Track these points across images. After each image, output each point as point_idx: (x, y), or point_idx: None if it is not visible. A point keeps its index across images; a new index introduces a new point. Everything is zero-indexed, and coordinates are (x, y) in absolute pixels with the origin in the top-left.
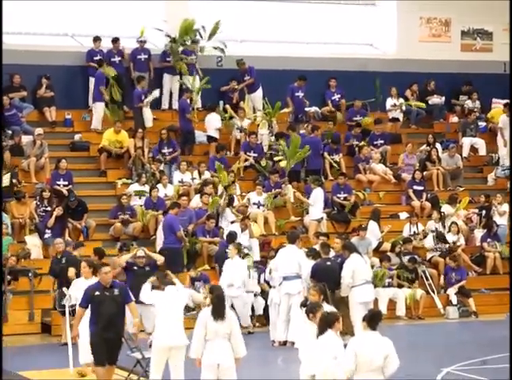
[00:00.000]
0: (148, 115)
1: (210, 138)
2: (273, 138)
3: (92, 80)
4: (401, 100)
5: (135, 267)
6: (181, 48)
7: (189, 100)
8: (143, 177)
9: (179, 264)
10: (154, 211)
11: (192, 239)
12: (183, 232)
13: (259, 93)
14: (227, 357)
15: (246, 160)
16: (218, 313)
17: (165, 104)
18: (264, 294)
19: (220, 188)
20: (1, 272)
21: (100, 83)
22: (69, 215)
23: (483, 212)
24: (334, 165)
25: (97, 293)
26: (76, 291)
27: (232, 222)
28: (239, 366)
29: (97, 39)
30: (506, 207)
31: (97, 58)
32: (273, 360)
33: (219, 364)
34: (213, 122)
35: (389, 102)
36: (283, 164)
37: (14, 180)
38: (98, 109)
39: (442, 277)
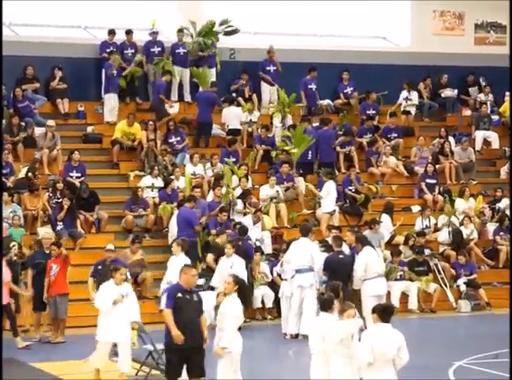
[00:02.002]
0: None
1: (233, 131)
2: (284, 131)
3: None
4: (415, 93)
5: (99, 266)
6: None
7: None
8: (156, 170)
9: (194, 258)
10: (169, 203)
11: (204, 235)
12: None
13: (276, 85)
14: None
15: (263, 152)
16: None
17: (174, 96)
18: (276, 287)
19: (235, 181)
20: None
21: (109, 73)
22: (81, 207)
23: (497, 206)
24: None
25: (179, 295)
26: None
27: (238, 212)
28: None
29: (111, 32)
30: None
31: (110, 50)
32: (284, 353)
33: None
34: (236, 115)
35: (403, 95)
36: (296, 151)
37: (30, 174)
38: (109, 100)
39: (452, 271)
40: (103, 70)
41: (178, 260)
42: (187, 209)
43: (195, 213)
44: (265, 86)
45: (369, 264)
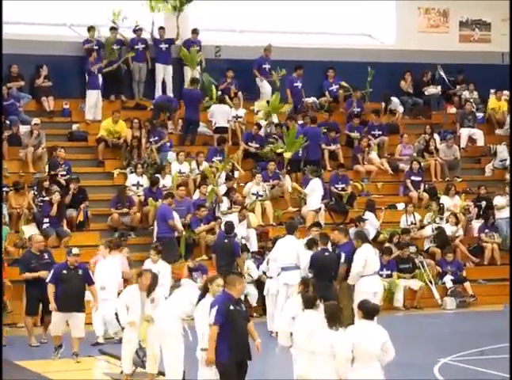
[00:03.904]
0: None
1: (220, 129)
2: (269, 129)
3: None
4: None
5: (65, 271)
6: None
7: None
8: (139, 168)
9: (173, 254)
10: (154, 201)
11: (188, 231)
12: (181, 222)
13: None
14: None
15: (245, 150)
16: None
17: (158, 93)
18: (261, 285)
19: (221, 177)
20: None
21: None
22: (69, 203)
23: (483, 203)
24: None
25: (231, 307)
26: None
27: (225, 213)
28: None
29: (91, 28)
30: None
31: (92, 47)
32: (270, 350)
33: None
34: (225, 113)
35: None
36: (287, 155)
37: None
38: (90, 97)
39: (438, 268)
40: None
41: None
42: (164, 205)
43: (170, 209)
44: (262, 82)
45: (368, 260)
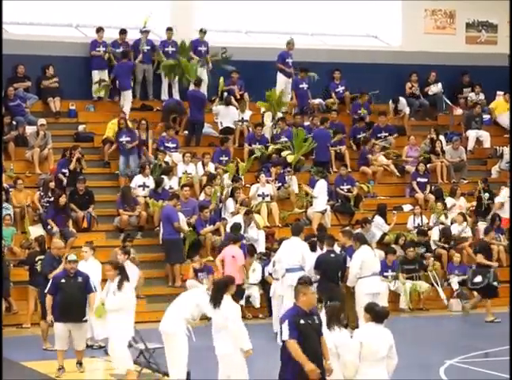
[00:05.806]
0: None
1: (226, 130)
2: (275, 130)
3: (95, 72)
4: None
5: (63, 280)
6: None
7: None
8: (147, 169)
9: (179, 255)
10: (156, 201)
11: (193, 233)
12: (186, 222)
13: (293, 77)
14: None
15: (250, 151)
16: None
17: (165, 95)
18: (268, 287)
19: (227, 178)
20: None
21: (127, 72)
22: (75, 204)
23: (486, 195)
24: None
25: (301, 322)
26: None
27: (232, 213)
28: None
29: (99, 29)
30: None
31: (100, 49)
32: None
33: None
34: (232, 115)
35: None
36: (290, 158)
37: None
38: (128, 97)
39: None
40: (92, 71)
41: (88, 266)
42: (169, 206)
43: (175, 210)
44: (281, 77)
45: (365, 262)
